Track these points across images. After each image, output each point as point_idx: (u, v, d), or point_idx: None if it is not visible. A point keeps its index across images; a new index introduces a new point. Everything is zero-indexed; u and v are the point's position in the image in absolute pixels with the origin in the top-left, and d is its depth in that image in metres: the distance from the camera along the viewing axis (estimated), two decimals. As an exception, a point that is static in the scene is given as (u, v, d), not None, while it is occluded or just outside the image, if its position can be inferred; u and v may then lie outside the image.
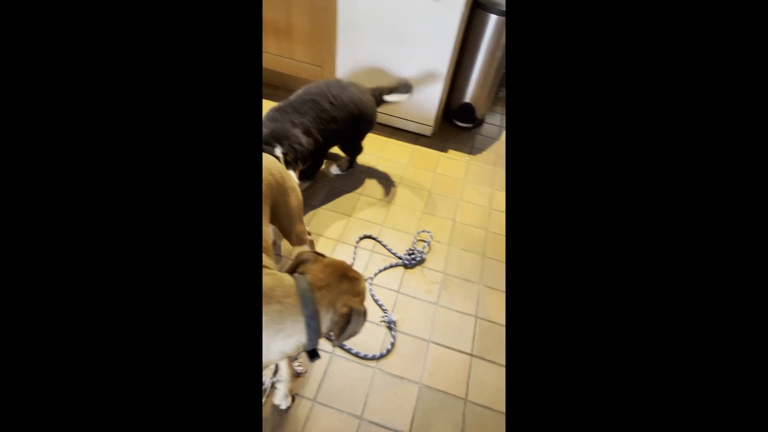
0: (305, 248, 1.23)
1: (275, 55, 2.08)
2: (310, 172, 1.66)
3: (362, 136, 1.72)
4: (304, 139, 1.44)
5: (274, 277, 0.77)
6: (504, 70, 2.14)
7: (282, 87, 2.28)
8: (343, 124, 1.57)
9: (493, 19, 1.84)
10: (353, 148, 1.76)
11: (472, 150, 2.10)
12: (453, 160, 2.02)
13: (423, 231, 1.64)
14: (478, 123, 2.23)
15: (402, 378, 1.22)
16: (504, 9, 1.82)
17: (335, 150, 1.82)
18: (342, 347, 1.25)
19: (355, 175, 1.84)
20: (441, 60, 1.80)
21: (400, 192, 1.81)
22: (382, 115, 2.08)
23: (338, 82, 1.59)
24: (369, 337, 1.30)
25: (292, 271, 0.84)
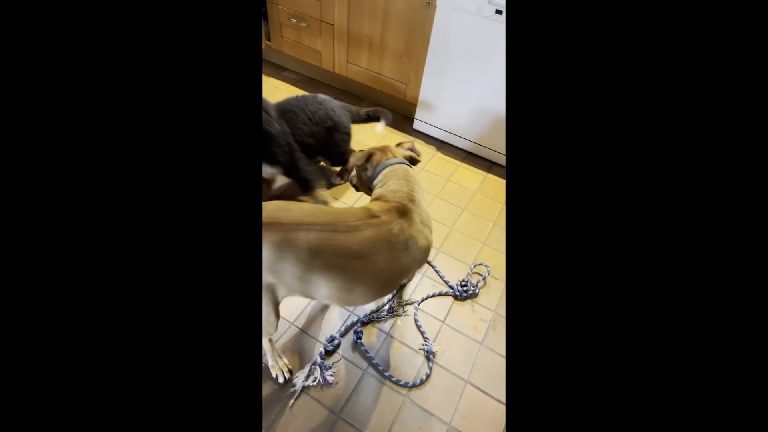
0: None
1: (365, 69, 2.17)
2: (305, 185, 1.62)
3: (342, 147, 1.69)
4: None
5: None
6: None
7: (366, 98, 2.36)
8: (321, 139, 1.60)
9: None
10: (337, 160, 1.73)
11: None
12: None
13: (480, 264, 1.57)
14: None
15: (432, 414, 1.16)
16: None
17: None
18: (375, 366, 1.23)
19: (420, 195, 1.83)
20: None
21: (464, 219, 1.75)
22: (456, 137, 2.05)
23: (315, 97, 1.62)
24: (404, 362, 1.26)
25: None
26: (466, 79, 1.86)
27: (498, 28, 1.66)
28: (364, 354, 1.25)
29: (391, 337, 1.31)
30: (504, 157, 1.99)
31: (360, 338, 1.28)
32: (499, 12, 1.63)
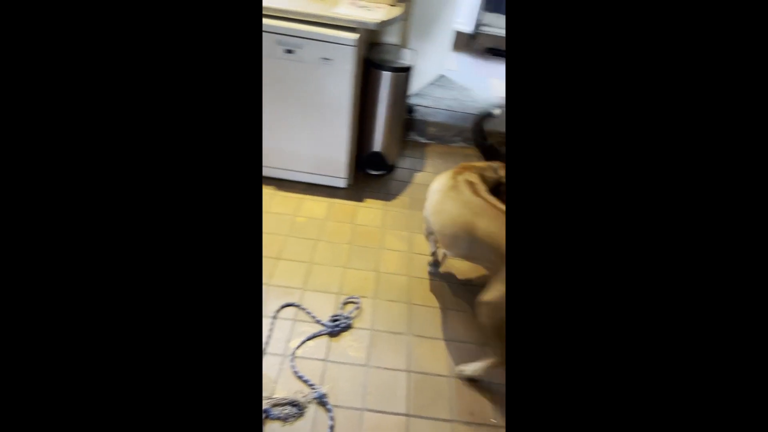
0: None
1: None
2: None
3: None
4: None
5: None
6: (406, 117, 2.26)
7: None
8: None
9: (386, 76, 1.95)
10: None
11: (387, 196, 2.15)
12: (370, 209, 2.04)
13: (350, 299, 1.58)
14: (389, 169, 2.31)
15: (337, 460, 1.12)
16: (394, 66, 1.95)
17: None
18: None
19: (268, 239, 1.77)
20: (342, 116, 1.86)
21: (321, 249, 1.77)
22: (292, 172, 2.07)
23: None
24: (301, 423, 1.19)
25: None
26: (282, 117, 1.88)
27: (292, 65, 1.74)
28: None
29: (272, 400, 1.23)
30: (343, 180, 2.09)
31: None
32: (289, 51, 1.70)
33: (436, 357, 1.42)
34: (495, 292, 1.15)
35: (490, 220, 1.20)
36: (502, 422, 1.27)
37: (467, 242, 1.27)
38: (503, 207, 1.23)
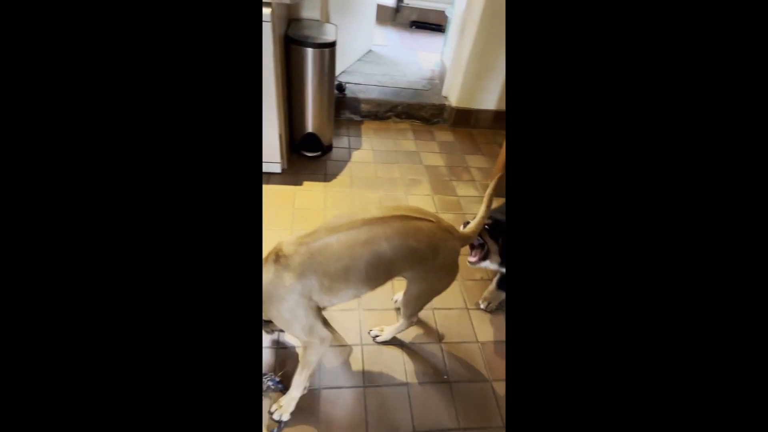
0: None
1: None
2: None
3: None
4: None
5: None
6: (337, 96, 2.22)
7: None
8: None
9: (309, 52, 1.89)
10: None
11: (326, 177, 2.12)
12: (310, 192, 2.00)
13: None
14: (326, 149, 2.27)
15: None
16: (317, 42, 1.88)
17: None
18: None
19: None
20: (267, 95, 1.77)
21: (263, 236, 1.71)
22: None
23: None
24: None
25: None
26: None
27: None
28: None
29: None
30: (278, 164, 2.02)
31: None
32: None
33: (385, 324, 1.46)
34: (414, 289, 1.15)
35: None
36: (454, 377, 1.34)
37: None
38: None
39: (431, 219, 1.03)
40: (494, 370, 1.37)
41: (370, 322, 1.46)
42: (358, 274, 0.98)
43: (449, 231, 1.06)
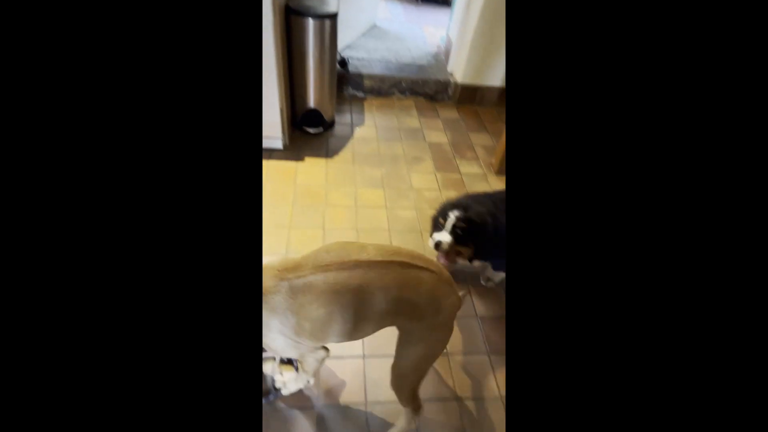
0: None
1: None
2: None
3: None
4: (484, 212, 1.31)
5: None
6: (340, 71, 2.18)
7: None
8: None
9: (309, 23, 1.84)
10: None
11: (328, 153, 2.10)
12: (312, 167, 1.99)
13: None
14: (328, 125, 2.24)
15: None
16: (318, 12, 1.84)
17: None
18: None
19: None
20: (267, 70, 1.74)
21: (264, 213, 1.72)
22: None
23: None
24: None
25: None
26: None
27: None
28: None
29: None
30: (280, 140, 2.00)
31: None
32: None
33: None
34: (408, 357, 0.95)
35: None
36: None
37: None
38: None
39: (433, 269, 0.87)
40: (493, 343, 1.38)
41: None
42: (343, 324, 0.84)
43: (451, 285, 0.90)
